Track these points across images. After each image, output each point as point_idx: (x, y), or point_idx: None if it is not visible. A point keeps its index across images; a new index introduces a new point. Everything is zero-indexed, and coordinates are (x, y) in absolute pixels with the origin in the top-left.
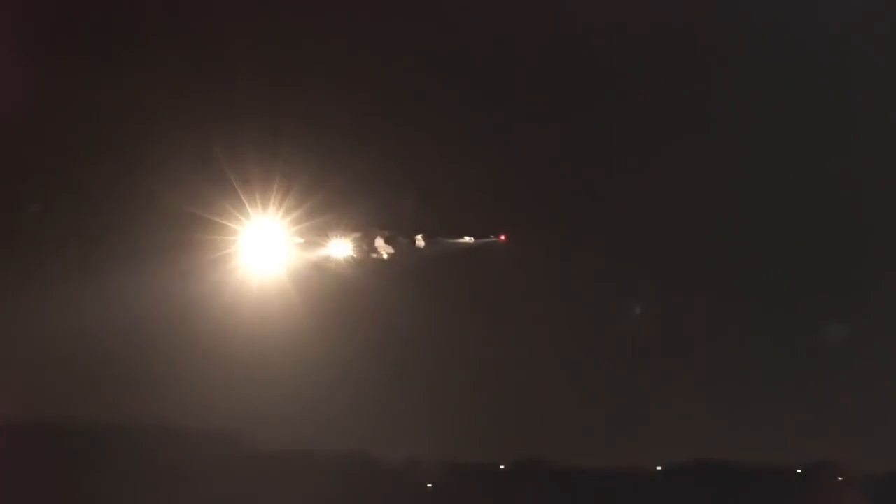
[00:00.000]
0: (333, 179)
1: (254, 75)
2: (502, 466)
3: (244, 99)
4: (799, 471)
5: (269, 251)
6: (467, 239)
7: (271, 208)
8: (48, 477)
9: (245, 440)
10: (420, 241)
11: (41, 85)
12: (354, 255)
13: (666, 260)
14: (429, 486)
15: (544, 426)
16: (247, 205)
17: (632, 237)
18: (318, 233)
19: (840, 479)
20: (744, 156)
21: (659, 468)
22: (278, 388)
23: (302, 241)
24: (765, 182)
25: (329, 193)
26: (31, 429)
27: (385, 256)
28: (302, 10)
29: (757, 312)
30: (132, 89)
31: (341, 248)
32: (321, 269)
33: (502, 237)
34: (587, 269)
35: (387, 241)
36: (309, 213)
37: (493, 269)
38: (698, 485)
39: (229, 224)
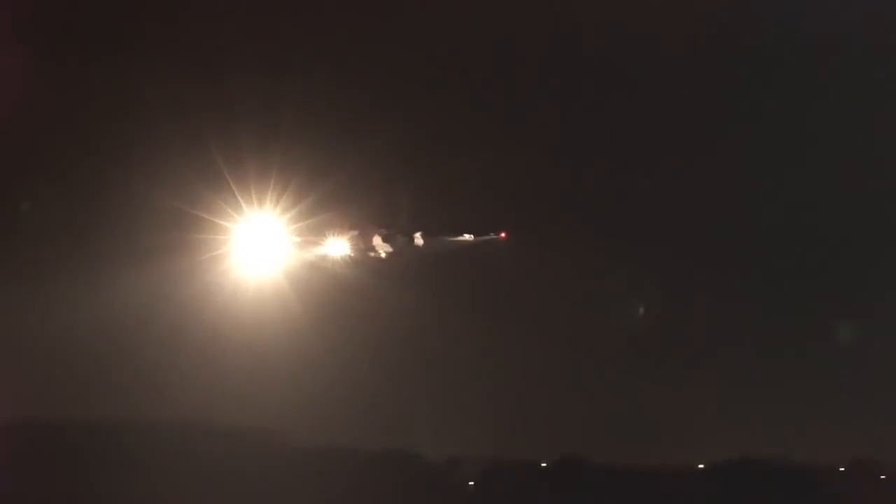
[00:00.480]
0: (330, 177)
1: (249, 71)
2: (544, 464)
3: (239, 95)
4: (842, 469)
5: (264, 250)
6: (467, 237)
7: (267, 206)
8: (41, 477)
9: (278, 438)
10: (419, 239)
11: (32, 82)
12: (352, 254)
13: (685, 256)
14: (470, 483)
15: (585, 424)
16: (242, 203)
17: (637, 234)
18: (315, 231)
19: (882, 476)
20: (747, 156)
21: (701, 466)
22: (297, 389)
23: (298, 240)
24: (770, 182)
25: (326, 191)
26: (24, 429)
27: (383, 255)
28: (298, 4)
29: (797, 308)
30: (125, 85)
31: (338, 246)
32: (318, 269)
33: (503, 235)
34: (595, 266)
35: (385, 240)
36: (305, 211)
37: (495, 267)
38: (740, 483)
39: (224, 223)
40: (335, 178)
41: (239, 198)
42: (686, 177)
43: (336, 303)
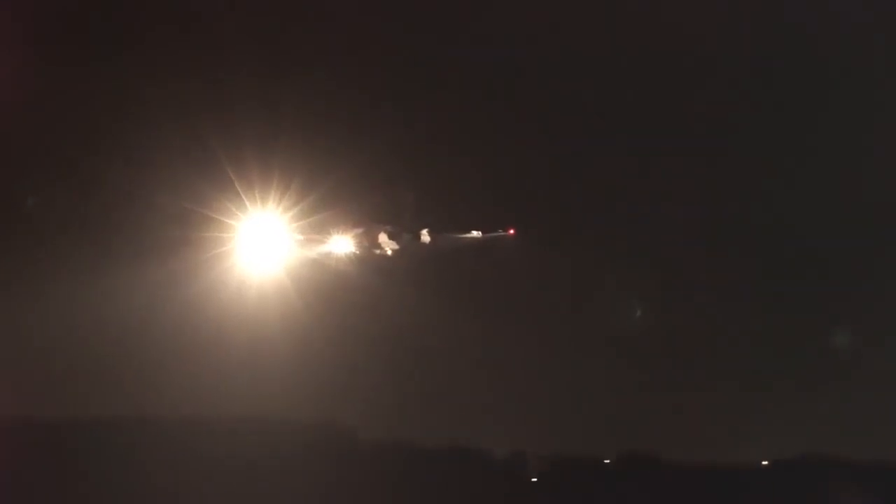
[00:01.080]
0: (334, 174)
1: (252, 66)
2: (607, 461)
3: (242, 92)
4: None
5: (270, 248)
6: (475, 234)
7: (271, 204)
8: (51, 477)
9: (337, 434)
10: (425, 236)
11: (34, 80)
12: (356, 252)
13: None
14: (533, 479)
15: (649, 421)
16: (246, 201)
17: (645, 230)
18: (320, 229)
19: None
20: (749, 157)
21: (765, 463)
22: (349, 386)
23: (302, 237)
24: (772, 183)
25: (330, 189)
26: (31, 428)
27: (389, 252)
28: (302, 5)
29: (858, 304)
30: (127, 84)
31: (343, 244)
32: (324, 267)
33: (511, 231)
34: (609, 262)
35: (390, 237)
36: (309, 208)
37: (513, 263)
38: (804, 480)
39: (229, 221)
40: (340, 175)
41: (243, 196)
42: (689, 178)
43: (348, 301)
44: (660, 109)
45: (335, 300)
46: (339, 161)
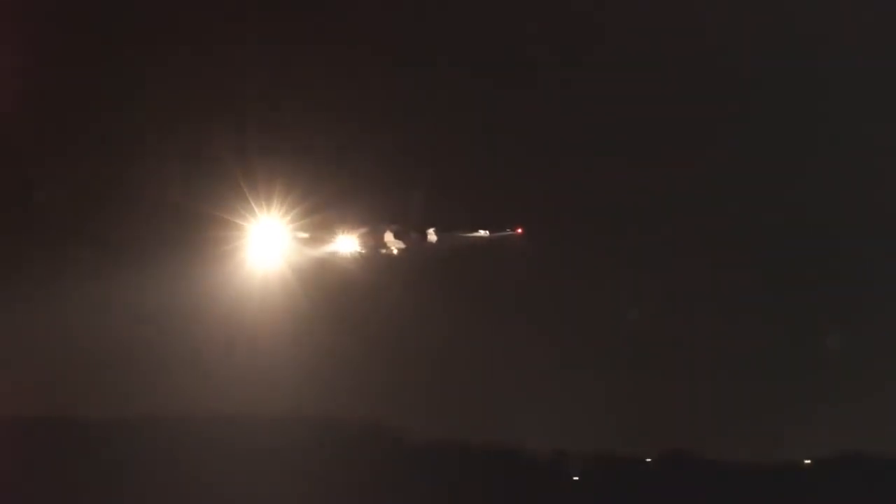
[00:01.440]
0: (341, 174)
1: (260, 66)
2: (648, 459)
3: (250, 93)
4: None
5: (275, 248)
6: (482, 233)
7: (278, 204)
8: (75, 473)
9: (387, 433)
10: (432, 235)
11: (47, 83)
12: (362, 251)
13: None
14: (575, 478)
15: (690, 420)
16: (253, 201)
17: (651, 228)
18: (325, 229)
19: None
20: (751, 161)
21: (807, 461)
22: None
23: (307, 236)
24: (775, 187)
25: (338, 189)
26: (55, 424)
27: (395, 252)
28: (312, 7)
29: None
30: (139, 90)
31: (349, 243)
32: (326, 266)
33: (519, 230)
34: (617, 261)
35: (396, 236)
36: (315, 207)
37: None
38: (846, 478)
39: (237, 220)
40: (347, 174)
41: (251, 196)
42: (694, 178)
43: (353, 300)
44: (665, 113)
45: (340, 299)
46: (346, 160)
